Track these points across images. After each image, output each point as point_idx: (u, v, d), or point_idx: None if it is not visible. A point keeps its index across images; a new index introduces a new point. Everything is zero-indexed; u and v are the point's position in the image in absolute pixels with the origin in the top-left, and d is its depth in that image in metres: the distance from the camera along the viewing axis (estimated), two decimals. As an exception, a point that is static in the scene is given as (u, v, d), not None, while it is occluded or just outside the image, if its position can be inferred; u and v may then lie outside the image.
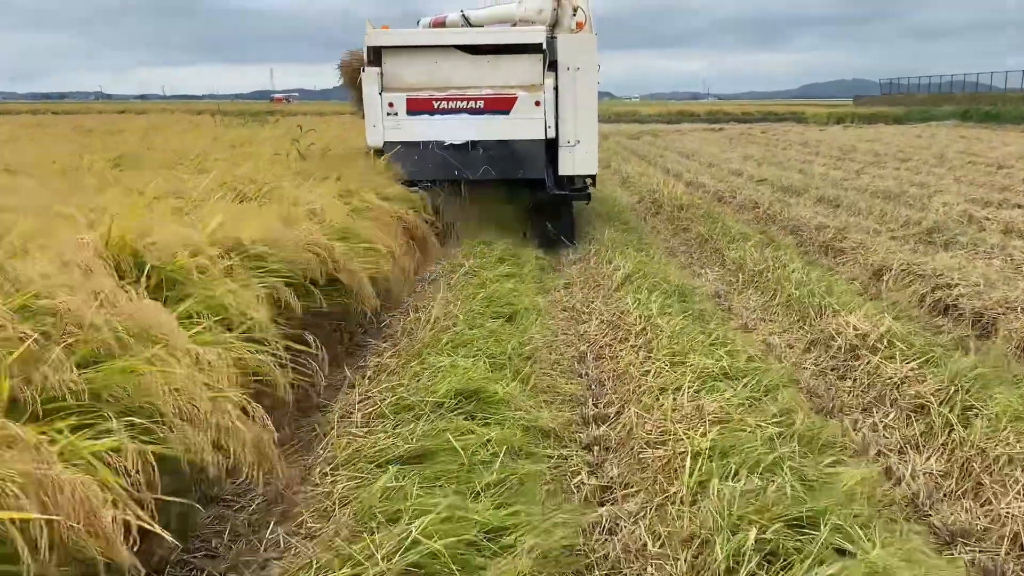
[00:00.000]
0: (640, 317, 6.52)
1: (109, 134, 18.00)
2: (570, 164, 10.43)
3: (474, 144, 10.25)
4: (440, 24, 11.75)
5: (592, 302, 7.77)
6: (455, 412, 4.59)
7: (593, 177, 10.97)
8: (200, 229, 5.14)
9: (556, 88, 10.20)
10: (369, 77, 10.24)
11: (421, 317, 6.77)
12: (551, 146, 10.36)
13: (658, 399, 4.82)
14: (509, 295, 7.25)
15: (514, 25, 10.91)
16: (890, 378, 5.33)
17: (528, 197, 10.76)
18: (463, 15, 11.51)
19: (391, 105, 10.24)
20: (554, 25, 10.75)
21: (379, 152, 10.40)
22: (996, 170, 17.50)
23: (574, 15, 10.74)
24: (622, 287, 7.93)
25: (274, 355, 4.18)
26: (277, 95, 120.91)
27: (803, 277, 7.96)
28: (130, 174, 8.52)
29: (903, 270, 8.02)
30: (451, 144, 10.27)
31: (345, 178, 9.09)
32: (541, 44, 10.15)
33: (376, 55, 10.30)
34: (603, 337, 6.56)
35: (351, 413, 4.91)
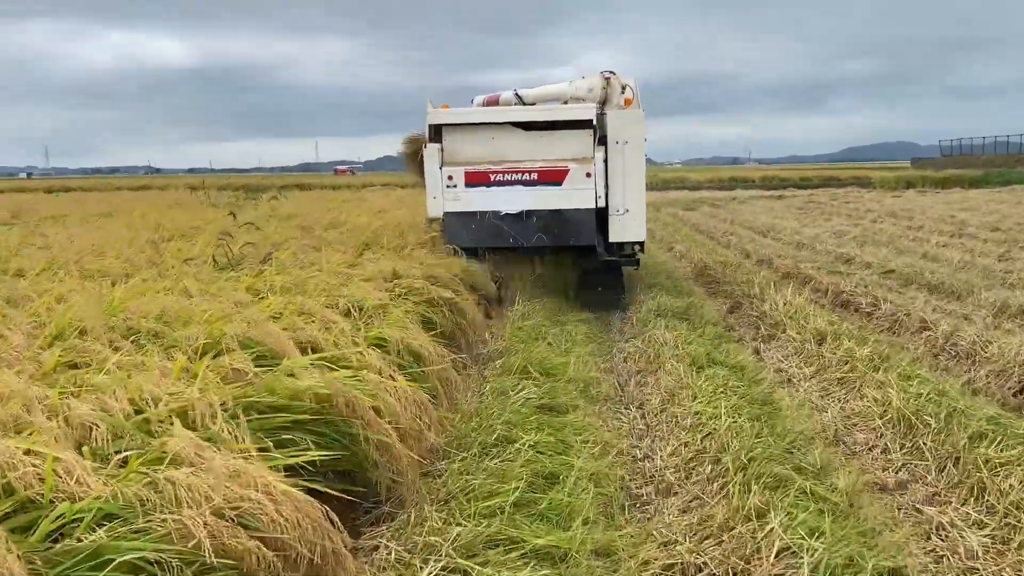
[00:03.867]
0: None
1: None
2: (620, 231, 11.03)
3: (528, 213, 10.79)
4: (494, 102, 12.38)
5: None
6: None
7: (642, 243, 11.47)
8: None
9: (606, 160, 10.86)
10: (430, 153, 10.88)
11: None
12: (601, 214, 10.94)
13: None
14: (557, 393, 6.25)
15: (565, 103, 11.60)
16: None
17: (579, 264, 11.32)
18: (516, 94, 12.18)
19: (450, 178, 10.81)
20: (603, 102, 11.38)
21: (438, 222, 11.12)
22: None
23: (622, 92, 11.38)
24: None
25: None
26: (341, 167, 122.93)
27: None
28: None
29: None
30: (507, 214, 10.79)
31: (390, 256, 9.25)
32: (591, 120, 10.86)
33: (437, 132, 10.94)
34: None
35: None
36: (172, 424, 3.18)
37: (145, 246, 9.98)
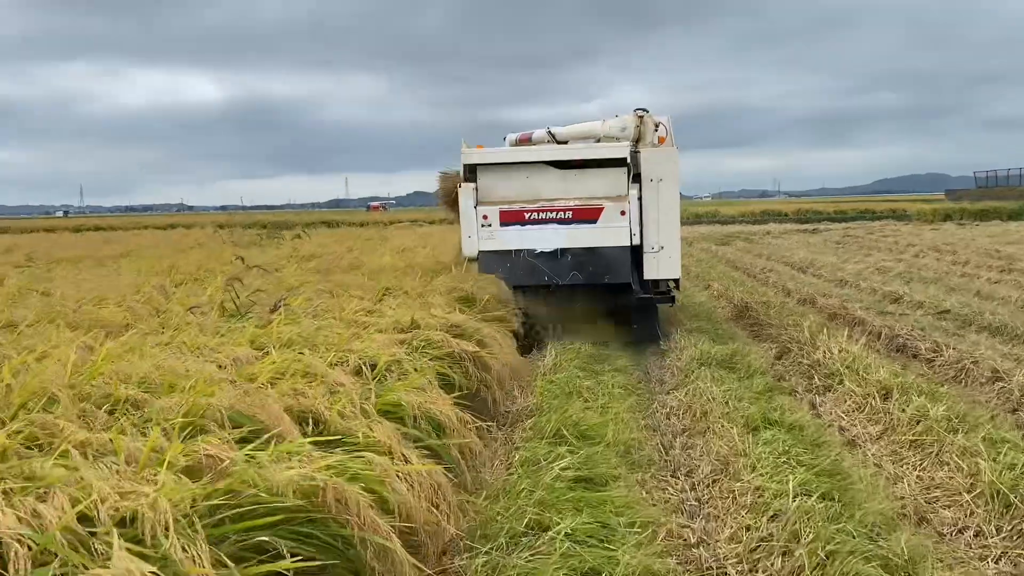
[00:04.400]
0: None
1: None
2: (655, 268, 11.03)
3: (563, 251, 10.81)
4: (527, 140, 12.40)
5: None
6: None
7: (677, 280, 11.56)
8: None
9: (640, 198, 10.89)
10: (465, 192, 10.94)
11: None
12: (636, 252, 10.91)
13: None
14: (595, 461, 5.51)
15: (597, 141, 11.63)
16: None
17: (614, 302, 11.16)
18: (549, 132, 12.19)
19: (485, 217, 10.86)
20: (637, 140, 11.36)
21: (473, 260, 11.11)
22: None
23: (656, 130, 11.43)
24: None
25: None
26: (374, 204, 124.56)
27: None
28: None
29: None
30: (541, 252, 10.81)
31: (411, 302, 8.56)
32: (625, 158, 10.82)
33: (471, 171, 11.04)
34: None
35: None
36: (114, 539, 2.50)
37: (152, 292, 9.38)
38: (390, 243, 19.30)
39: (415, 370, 5.62)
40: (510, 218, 10.81)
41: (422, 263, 13.26)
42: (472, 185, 10.94)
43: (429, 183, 13.96)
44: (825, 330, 9.91)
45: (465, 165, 11.06)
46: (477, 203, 10.90)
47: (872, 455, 6.26)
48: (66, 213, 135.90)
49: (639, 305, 11.09)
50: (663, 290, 11.34)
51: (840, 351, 8.76)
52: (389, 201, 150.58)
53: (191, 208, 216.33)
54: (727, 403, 7.09)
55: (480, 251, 10.93)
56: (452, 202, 11.69)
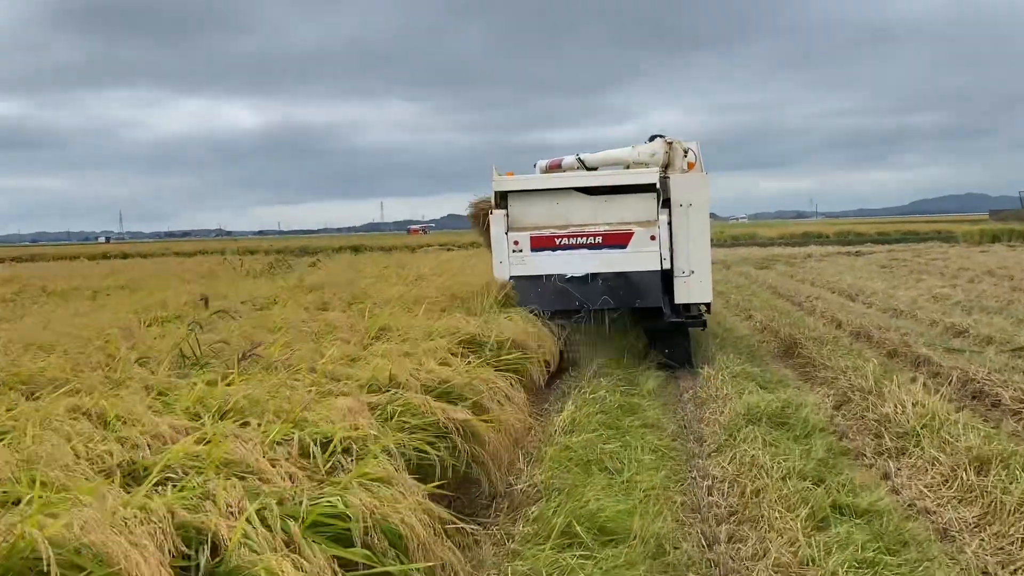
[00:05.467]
0: None
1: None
2: (685, 293, 11.04)
3: (593, 276, 10.85)
4: (556, 167, 12.47)
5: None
6: None
7: (708, 304, 11.53)
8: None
9: (670, 223, 10.92)
10: (496, 219, 11.09)
11: None
12: (666, 276, 10.94)
13: None
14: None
15: (627, 167, 11.74)
16: None
17: (646, 326, 11.26)
18: (579, 158, 12.24)
19: (516, 243, 10.99)
20: (666, 166, 11.43)
21: (504, 286, 11.05)
22: None
23: (685, 156, 11.50)
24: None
25: None
26: (414, 227, 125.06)
27: None
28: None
29: None
30: (572, 276, 10.85)
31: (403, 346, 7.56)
32: (655, 184, 10.90)
33: (502, 198, 11.18)
34: None
35: None
36: None
37: (117, 335, 8.21)
38: (407, 271, 18.12)
39: (383, 451, 4.33)
40: (541, 243, 10.93)
41: (434, 296, 12.05)
42: (503, 211, 11.08)
43: (463, 206, 13.18)
44: (895, 379, 8.44)
45: (496, 192, 11.19)
46: (508, 229, 11.03)
47: (972, 552, 4.87)
48: (108, 239, 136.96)
49: (671, 329, 11.10)
50: (694, 314, 11.35)
51: (914, 404, 7.34)
52: (429, 224, 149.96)
53: (229, 233, 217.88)
54: (784, 478, 5.73)
55: (511, 276, 11.04)
56: (484, 228, 11.80)
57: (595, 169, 12.03)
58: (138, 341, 7.78)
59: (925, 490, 5.93)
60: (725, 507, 5.74)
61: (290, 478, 3.84)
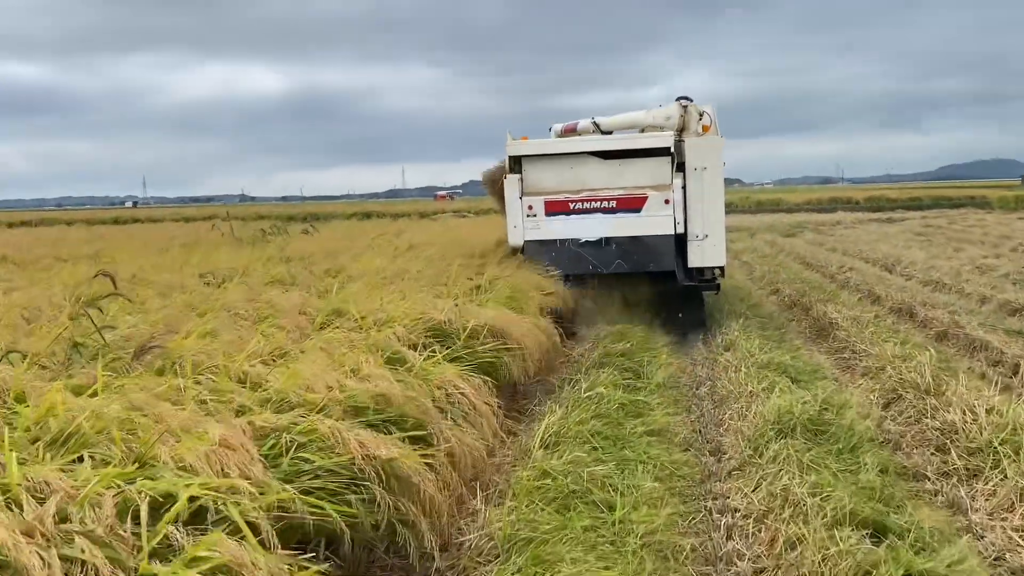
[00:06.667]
0: None
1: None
2: (699, 256, 10.95)
3: (607, 240, 10.90)
4: (571, 131, 12.44)
5: None
6: None
7: (722, 268, 11.43)
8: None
9: (684, 187, 10.85)
10: (510, 183, 11.10)
11: None
12: (680, 240, 10.89)
13: None
14: None
15: (642, 131, 11.81)
16: None
17: (657, 289, 11.18)
18: (594, 122, 12.20)
19: (530, 208, 10.99)
20: (681, 129, 11.36)
21: (519, 250, 11.15)
22: None
23: (700, 119, 11.41)
24: None
25: None
26: (441, 192, 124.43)
27: None
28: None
29: None
30: (586, 241, 10.92)
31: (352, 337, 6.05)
32: (669, 148, 10.92)
33: (516, 163, 11.20)
34: None
35: None
36: None
37: (18, 319, 6.84)
38: (402, 238, 16.70)
39: (243, 517, 2.92)
40: (555, 208, 10.93)
41: (420, 268, 10.65)
42: (517, 176, 11.07)
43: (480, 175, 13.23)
44: (959, 376, 6.92)
45: (510, 156, 11.17)
46: (523, 194, 11.01)
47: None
48: (135, 203, 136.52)
49: (685, 293, 11.19)
50: (708, 278, 11.30)
51: (988, 411, 5.86)
52: (456, 191, 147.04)
53: (252, 199, 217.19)
54: (830, 525, 4.26)
55: (525, 240, 11.04)
56: (499, 193, 11.71)
57: (610, 133, 11.99)
58: (37, 326, 6.40)
59: (1015, 535, 4.49)
60: (749, 560, 4.31)
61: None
